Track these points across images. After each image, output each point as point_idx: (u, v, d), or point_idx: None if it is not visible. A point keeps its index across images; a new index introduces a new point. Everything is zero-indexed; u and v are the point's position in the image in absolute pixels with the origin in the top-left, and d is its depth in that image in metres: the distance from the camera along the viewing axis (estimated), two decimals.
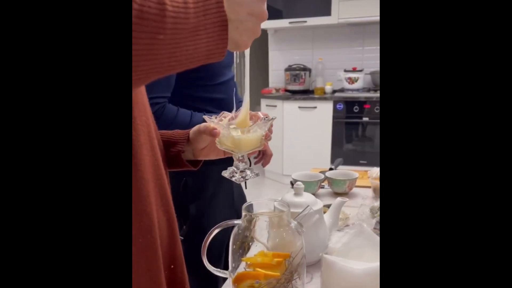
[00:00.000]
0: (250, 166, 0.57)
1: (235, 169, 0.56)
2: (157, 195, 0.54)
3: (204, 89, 0.99)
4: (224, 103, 1.02)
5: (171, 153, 0.65)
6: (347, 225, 0.77)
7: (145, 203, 0.49)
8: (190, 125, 0.79)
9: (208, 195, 1.02)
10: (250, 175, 0.55)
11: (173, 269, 0.57)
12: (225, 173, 0.56)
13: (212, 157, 0.66)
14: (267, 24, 3.10)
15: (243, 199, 1.15)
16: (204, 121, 0.59)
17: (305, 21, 2.98)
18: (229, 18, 0.41)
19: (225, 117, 0.58)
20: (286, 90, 3.25)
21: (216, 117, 0.57)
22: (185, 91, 0.98)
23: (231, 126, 0.55)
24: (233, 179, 0.55)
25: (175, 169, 0.66)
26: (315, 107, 2.94)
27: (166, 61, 0.38)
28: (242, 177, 0.55)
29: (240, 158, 0.56)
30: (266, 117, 0.56)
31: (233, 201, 1.09)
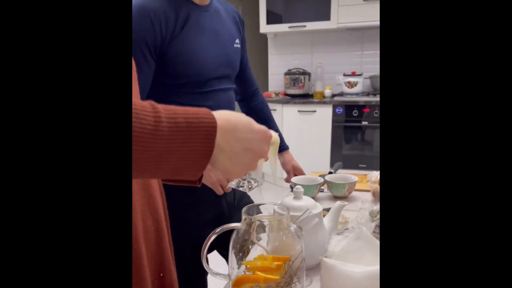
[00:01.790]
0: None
1: (242, 180, 0.56)
2: (145, 204, 0.54)
3: (193, 97, 0.92)
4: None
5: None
6: (347, 229, 0.77)
7: None
8: None
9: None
10: (255, 185, 0.56)
11: (162, 277, 0.57)
12: (232, 184, 0.57)
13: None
14: (267, 29, 3.12)
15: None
16: None
17: (305, 26, 3.00)
18: (222, 149, 0.39)
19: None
20: (286, 94, 3.26)
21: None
22: (173, 99, 0.90)
23: None
24: (241, 189, 0.56)
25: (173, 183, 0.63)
26: (315, 111, 2.95)
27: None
28: (249, 187, 0.56)
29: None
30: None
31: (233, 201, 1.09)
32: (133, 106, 0.35)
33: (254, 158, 0.43)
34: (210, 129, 0.38)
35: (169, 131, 0.36)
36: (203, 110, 0.40)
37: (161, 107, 0.37)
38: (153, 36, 0.82)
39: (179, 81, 0.89)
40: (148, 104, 0.37)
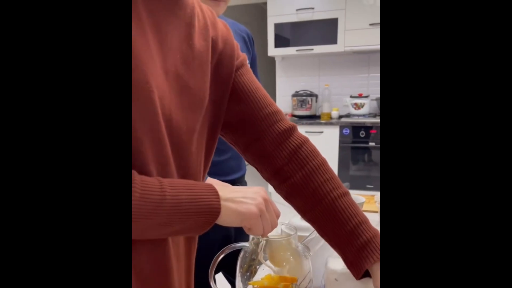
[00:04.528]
0: None
1: None
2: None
3: None
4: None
5: None
6: None
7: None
8: None
9: None
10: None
11: None
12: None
13: None
14: (275, 52, 3.19)
15: None
16: None
17: (312, 49, 3.06)
18: (226, 198, 0.46)
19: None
20: (293, 115, 3.29)
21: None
22: None
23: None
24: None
25: None
26: (322, 132, 2.96)
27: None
28: None
29: None
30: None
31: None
32: (141, 179, 0.40)
33: (255, 198, 0.48)
34: (214, 209, 0.45)
35: (171, 208, 0.42)
36: (206, 189, 0.45)
37: (166, 182, 0.43)
38: None
39: None
40: (156, 180, 0.42)
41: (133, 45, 0.40)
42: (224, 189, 0.47)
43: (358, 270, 0.53)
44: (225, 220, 0.46)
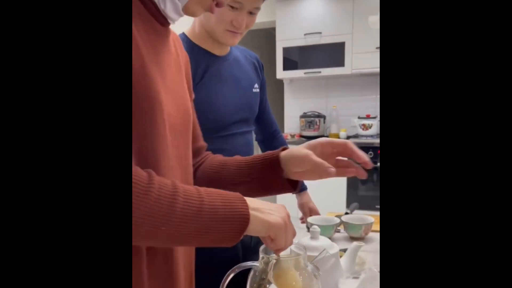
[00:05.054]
0: None
1: None
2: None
3: (211, 141, 0.96)
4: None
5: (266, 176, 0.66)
6: (364, 270, 0.77)
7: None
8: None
9: None
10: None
11: None
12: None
13: (308, 178, 0.66)
14: (283, 74, 3.25)
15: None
16: None
17: (320, 72, 3.11)
18: (254, 207, 0.47)
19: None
20: (301, 136, 3.32)
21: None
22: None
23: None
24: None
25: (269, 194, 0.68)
26: None
27: (169, 243, 0.44)
28: None
29: None
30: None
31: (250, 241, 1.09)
32: (183, 188, 0.43)
33: (280, 212, 0.50)
34: (244, 215, 0.47)
35: (209, 209, 0.44)
36: (236, 197, 0.48)
37: (203, 190, 0.45)
38: None
39: None
40: (193, 187, 0.45)
41: (146, 66, 0.46)
42: (250, 199, 0.49)
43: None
44: (252, 229, 0.47)
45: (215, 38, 0.93)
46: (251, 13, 0.90)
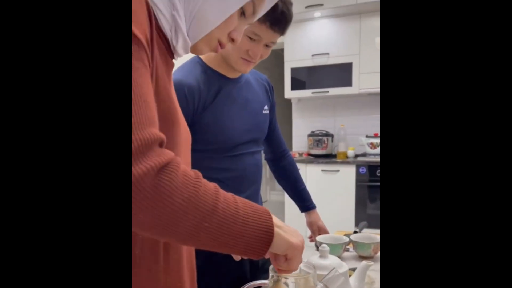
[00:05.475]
0: None
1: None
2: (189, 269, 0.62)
3: (221, 161, 0.98)
4: (237, 177, 1.01)
5: None
6: None
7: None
8: None
9: None
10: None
11: None
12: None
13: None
14: (291, 94, 3.31)
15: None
16: None
17: (327, 91, 3.16)
18: (279, 225, 0.50)
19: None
20: (309, 154, 3.34)
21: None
22: (201, 162, 0.85)
23: None
24: None
25: None
26: (338, 171, 2.98)
27: (207, 243, 0.44)
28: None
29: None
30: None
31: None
32: (224, 193, 0.45)
33: (298, 235, 0.53)
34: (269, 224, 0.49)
35: (243, 213, 0.46)
36: (265, 210, 0.50)
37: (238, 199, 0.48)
38: (187, 109, 0.91)
39: (208, 147, 0.96)
40: (230, 194, 0.47)
41: (167, 87, 0.52)
42: (274, 217, 0.51)
43: None
44: (275, 244, 0.49)
45: (229, 63, 0.98)
46: (267, 46, 0.96)
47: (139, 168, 0.37)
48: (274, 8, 0.87)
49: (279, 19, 0.90)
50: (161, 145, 0.41)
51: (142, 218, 0.37)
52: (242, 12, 0.56)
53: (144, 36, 0.44)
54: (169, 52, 0.55)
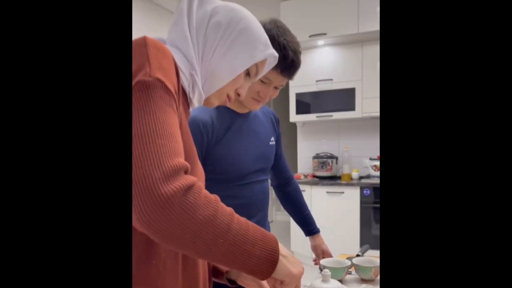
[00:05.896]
0: None
1: None
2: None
3: (230, 189, 1.05)
4: (246, 204, 1.07)
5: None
6: None
7: None
8: None
9: None
10: None
11: None
12: None
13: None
14: (296, 118, 3.41)
15: None
16: None
17: (331, 115, 3.26)
18: (283, 255, 0.55)
19: None
20: (314, 176, 3.41)
21: None
22: (212, 190, 0.99)
23: None
24: None
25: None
26: (343, 192, 3.05)
27: (221, 258, 0.49)
28: None
29: None
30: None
31: None
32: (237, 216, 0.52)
33: (299, 266, 0.58)
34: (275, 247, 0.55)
35: (253, 236, 0.52)
36: (272, 236, 0.56)
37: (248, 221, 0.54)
38: (201, 142, 1.01)
39: (220, 176, 1.03)
40: (244, 220, 0.54)
41: (186, 128, 0.62)
42: (281, 245, 0.57)
43: None
44: (277, 269, 0.54)
45: (240, 101, 1.09)
46: (276, 88, 1.07)
47: (170, 188, 0.44)
48: (285, 56, 0.98)
49: (289, 67, 1.01)
50: (186, 172, 0.50)
51: (170, 229, 0.45)
52: (247, 73, 0.69)
53: (173, 88, 0.54)
54: (187, 103, 0.66)
